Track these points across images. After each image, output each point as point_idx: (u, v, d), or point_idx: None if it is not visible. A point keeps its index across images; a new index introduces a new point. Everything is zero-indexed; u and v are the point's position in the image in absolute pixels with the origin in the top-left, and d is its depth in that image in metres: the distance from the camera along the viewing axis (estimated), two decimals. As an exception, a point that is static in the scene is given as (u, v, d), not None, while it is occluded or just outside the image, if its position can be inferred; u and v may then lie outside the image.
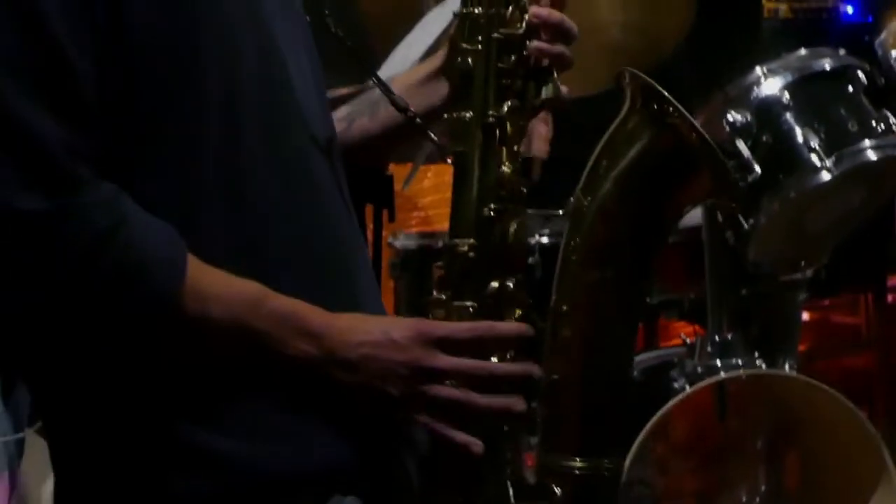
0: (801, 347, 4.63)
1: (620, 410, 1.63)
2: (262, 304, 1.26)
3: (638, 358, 2.76)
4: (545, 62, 1.44)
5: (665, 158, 1.57)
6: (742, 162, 2.52)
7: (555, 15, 1.46)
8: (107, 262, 1.20)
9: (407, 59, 2.16)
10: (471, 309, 1.35)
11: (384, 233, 2.06)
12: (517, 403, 1.34)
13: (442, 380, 1.29)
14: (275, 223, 1.32)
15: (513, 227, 1.38)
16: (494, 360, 1.34)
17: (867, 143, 2.58)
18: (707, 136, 1.54)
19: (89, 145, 1.22)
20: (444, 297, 1.36)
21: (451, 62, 1.41)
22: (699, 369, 2.53)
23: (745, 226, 2.56)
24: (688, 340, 2.58)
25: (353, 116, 1.60)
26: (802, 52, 2.69)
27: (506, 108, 1.39)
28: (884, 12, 3.67)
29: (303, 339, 1.27)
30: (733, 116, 2.53)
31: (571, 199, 1.61)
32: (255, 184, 1.30)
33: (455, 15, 1.41)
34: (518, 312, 1.37)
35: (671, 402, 2.44)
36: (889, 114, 2.64)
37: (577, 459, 1.56)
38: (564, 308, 1.58)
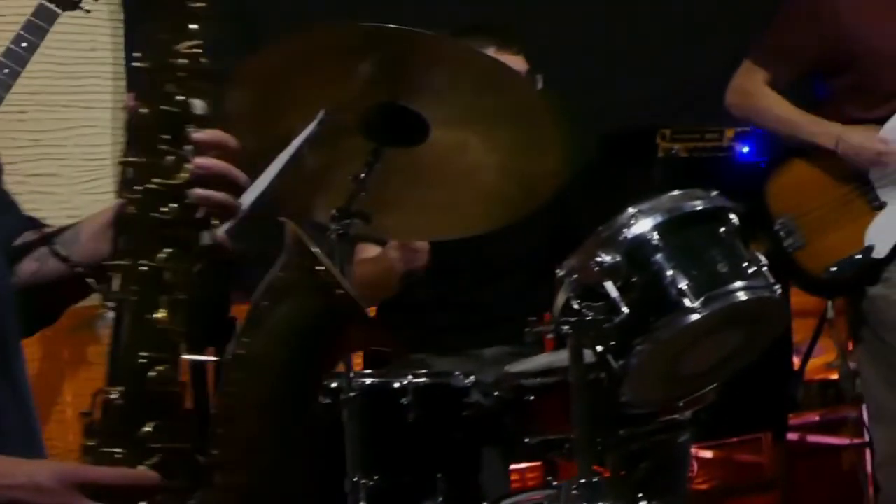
0: (706, 486, 4.63)
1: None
2: None
3: (505, 503, 2.72)
4: (209, 210, 1.46)
5: (317, 314, 1.59)
6: (610, 303, 2.51)
7: (219, 165, 1.47)
8: None
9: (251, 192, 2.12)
10: (118, 455, 1.37)
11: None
12: None
13: None
14: None
15: (163, 374, 1.40)
16: None
17: (737, 284, 2.57)
18: (354, 294, 1.57)
19: None
20: (92, 443, 1.38)
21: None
22: (564, 514, 2.47)
23: (615, 367, 2.54)
24: (554, 483, 2.53)
25: (46, 258, 1.62)
26: (675, 192, 2.69)
27: (163, 256, 1.41)
28: (775, 160, 3.72)
29: None
30: (602, 257, 2.53)
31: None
32: None
33: (121, 163, 1.44)
34: (155, 459, 1.39)
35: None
36: (761, 256, 2.64)
37: None
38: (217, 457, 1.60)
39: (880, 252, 3.50)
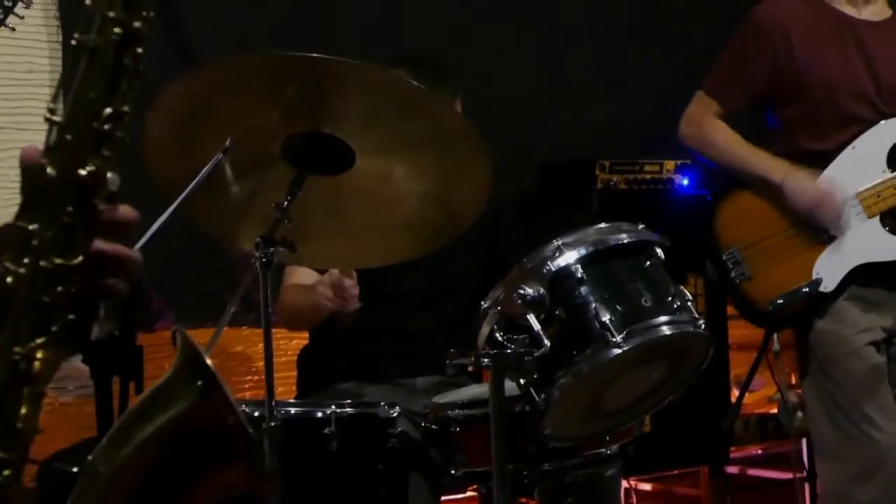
0: (644, 519, 4.61)
1: None
2: None
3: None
4: (101, 294, 1.27)
5: (198, 440, 1.40)
6: (532, 336, 2.50)
7: (121, 251, 1.28)
8: None
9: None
10: None
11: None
12: None
13: None
14: None
15: (4, 479, 1.19)
16: None
17: (661, 318, 2.55)
18: (246, 424, 1.38)
19: None
20: None
21: None
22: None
23: (538, 400, 2.52)
24: (472, 518, 2.51)
25: None
26: (602, 225, 2.68)
27: (36, 346, 1.19)
28: (722, 191, 3.69)
29: None
30: (525, 290, 2.51)
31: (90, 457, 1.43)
32: None
33: (12, 227, 1.21)
34: None
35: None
36: (685, 290, 2.63)
37: None
38: None
39: (828, 286, 3.45)
